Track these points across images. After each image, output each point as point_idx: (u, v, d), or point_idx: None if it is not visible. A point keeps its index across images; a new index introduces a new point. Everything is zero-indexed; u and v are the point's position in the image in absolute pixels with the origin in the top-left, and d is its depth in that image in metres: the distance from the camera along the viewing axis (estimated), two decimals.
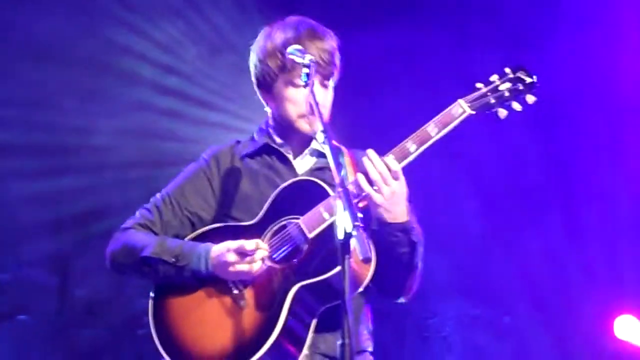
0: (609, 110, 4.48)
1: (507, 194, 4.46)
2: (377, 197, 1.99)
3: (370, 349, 2.22)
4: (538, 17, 4.46)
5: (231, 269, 2.02)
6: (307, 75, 1.92)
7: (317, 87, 2.09)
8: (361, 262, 1.75)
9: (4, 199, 4.24)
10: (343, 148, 2.16)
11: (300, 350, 2.05)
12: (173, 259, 2.10)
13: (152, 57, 4.39)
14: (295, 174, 2.21)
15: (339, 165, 1.79)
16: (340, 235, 1.65)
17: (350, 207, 1.67)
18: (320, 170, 2.20)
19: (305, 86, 1.94)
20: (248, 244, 2.00)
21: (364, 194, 1.99)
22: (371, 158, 1.99)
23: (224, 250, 2.02)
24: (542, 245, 4.50)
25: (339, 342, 1.61)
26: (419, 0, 4.55)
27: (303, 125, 2.16)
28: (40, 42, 4.20)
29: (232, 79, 4.30)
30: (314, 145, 2.24)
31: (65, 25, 4.23)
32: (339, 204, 1.70)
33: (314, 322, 2.06)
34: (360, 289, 2.08)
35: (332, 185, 1.98)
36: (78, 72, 4.26)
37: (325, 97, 2.18)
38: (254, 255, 2.01)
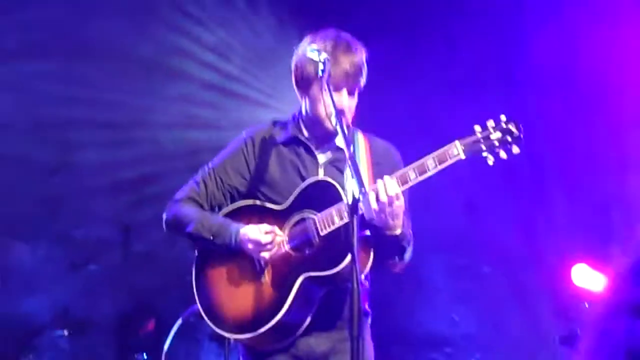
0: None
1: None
2: (380, 215, 2.19)
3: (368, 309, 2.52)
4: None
5: (254, 247, 2.31)
6: (322, 71, 2.19)
7: (344, 94, 2.35)
8: (361, 255, 2.17)
9: (77, 168, 4.86)
10: (360, 132, 2.49)
11: (298, 329, 2.33)
12: (211, 236, 2.38)
13: (200, 57, 4.92)
14: (317, 164, 2.44)
15: (348, 143, 2.11)
16: (349, 199, 1.99)
17: (358, 177, 1.98)
18: (338, 161, 2.42)
19: (320, 77, 2.18)
20: (269, 229, 2.31)
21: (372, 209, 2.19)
22: (385, 184, 2.20)
23: (250, 231, 2.31)
24: (512, 208, 4.97)
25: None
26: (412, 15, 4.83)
27: (328, 124, 2.36)
28: (104, 42, 4.73)
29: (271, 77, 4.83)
30: (340, 140, 2.37)
31: (123, 27, 4.72)
32: (347, 173, 2.07)
33: (313, 308, 2.34)
34: (362, 276, 2.32)
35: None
36: (134, 69, 4.80)
37: (350, 102, 2.40)
38: (273, 239, 2.30)
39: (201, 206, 2.47)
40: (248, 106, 4.93)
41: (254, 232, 2.31)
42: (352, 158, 2.06)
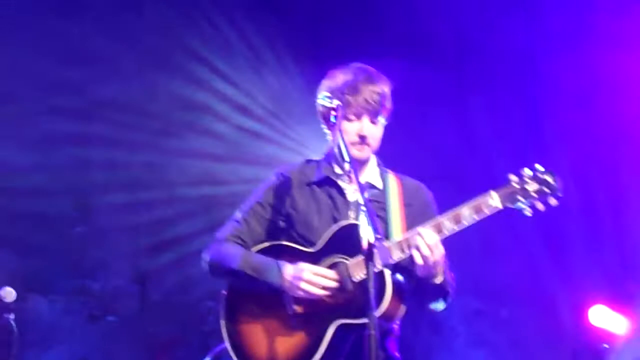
0: None
1: None
2: (423, 268, 2.19)
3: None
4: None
5: (301, 284, 2.22)
6: (335, 117, 2.20)
7: (367, 123, 2.34)
8: (395, 301, 2.15)
9: (94, 221, 4.95)
10: (390, 173, 2.47)
11: None
12: (255, 274, 2.32)
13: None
14: (349, 205, 2.38)
15: (362, 190, 2.06)
16: (364, 245, 1.92)
17: (373, 223, 1.93)
18: (369, 201, 2.14)
19: (333, 125, 2.19)
20: (324, 271, 2.23)
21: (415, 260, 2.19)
22: (423, 236, 2.18)
23: (298, 269, 2.24)
24: (529, 250, 5.01)
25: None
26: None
27: (354, 152, 2.32)
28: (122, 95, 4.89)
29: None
30: (366, 177, 2.41)
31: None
32: (362, 219, 1.97)
33: (343, 354, 2.24)
34: (394, 324, 2.31)
35: (378, 216, 2.23)
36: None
37: (374, 130, 2.37)
38: (321, 281, 2.22)
39: (244, 242, 2.43)
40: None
41: (302, 269, 2.24)
42: (368, 206, 2.02)
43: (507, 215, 2.26)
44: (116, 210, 4.94)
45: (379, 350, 1.87)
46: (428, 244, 2.16)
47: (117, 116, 4.86)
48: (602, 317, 4.60)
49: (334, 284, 2.23)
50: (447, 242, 2.20)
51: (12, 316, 3.74)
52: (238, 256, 2.37)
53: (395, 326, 2.38)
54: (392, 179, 2.45)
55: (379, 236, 1.94)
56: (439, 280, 2.25)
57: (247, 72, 5.07)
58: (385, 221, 2.34)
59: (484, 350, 5.04)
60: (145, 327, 4.92)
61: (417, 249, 2.17)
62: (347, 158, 2.18)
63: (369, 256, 1.92)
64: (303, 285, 2.22)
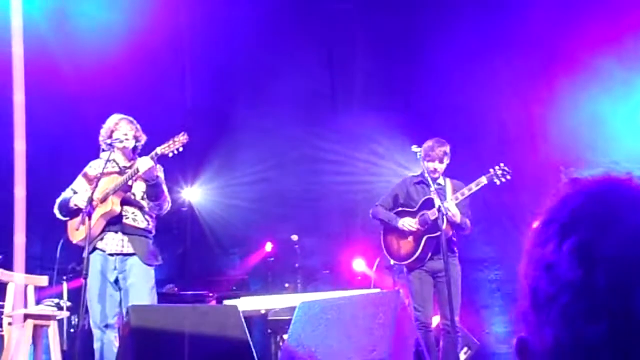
0: None
1: None
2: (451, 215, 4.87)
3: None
4: None
5: (406, 225, 5.05)
6: (421, 157, 5.00)
7: (437, 163, 5.00)
8: (448, 227, 4.81)
9: None
10: (447, 178, 5.13)
11: (425, 259, 4.95)
12: (389, 220, 5.14)
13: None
14: (430, 191, 4.97)
15: (434, 182, 4.97)
16: (436, 206, 4.75)
17: (440, 199, 4.85)
18: (438, 190, 4.99)
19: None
20: (413, 220, 5.08)
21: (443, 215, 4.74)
22: (449, 205, 4.84)
23: (405, 220, 5.06)
24: None
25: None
26: None
27: (432, 175, 4.96)
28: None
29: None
30: (439, 179, 5.09)
31: None
32: (435, 198, 4.82)
33: (430, 250, 4.94)
34: (452, 237, 5.03)
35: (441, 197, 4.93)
36: None
37: (440, 167, 5.04)
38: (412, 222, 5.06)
39: (386, 208, 5.24)
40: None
41: (408, 220, 5.10)
42: (436, 192, 4.95)
43: None
44: None
45: (447, 247, 4.61)
46: (449, 208, 4.83)
47: None
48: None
49: (418, 225, 5.01)
50: None
51: None
52: (383, 213, 5.21)
53: (454, 238, 5.08)
54: (448, 181, 5.17)
55: (440, 203, 4.72)
56: (458, 221, 4.91)
57: None
58: (444, 197, 5.02)
59: None
60: None
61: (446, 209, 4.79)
62: (426, 175, 5.02)
63: (438, 209, 4.72)
64: (405, 225, 5.07)
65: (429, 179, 4.85)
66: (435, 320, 5.21)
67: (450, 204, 4.79)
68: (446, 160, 4.99)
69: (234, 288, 8.22)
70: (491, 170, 4.83)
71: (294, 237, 7.40)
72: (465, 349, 5.75)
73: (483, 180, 4.80)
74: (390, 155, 8.15)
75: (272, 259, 8.53)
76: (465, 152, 6.51)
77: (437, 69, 7.94)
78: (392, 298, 3.48)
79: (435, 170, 4.95)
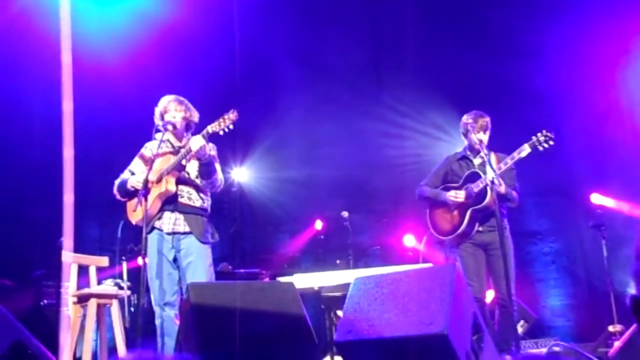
0: None
1: None
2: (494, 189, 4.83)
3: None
4: None
5: (452, 198, 5.09)
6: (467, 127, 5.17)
7: (482, 134, 5.05)
8: (493, 198, 4.78)
9: None
10: (492, 152, 5.06)
11: (472, 232, 5.02)
12: (440, 197, 5.19)
13: None
14: (474, 165, 5.18)
15: (483, 154, 4.95)
16: (489, 177, 4.80)
17: (492, 169, 4.78)
18: (481, 164, 5.10)
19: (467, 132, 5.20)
20: (459, 192, 5.14)
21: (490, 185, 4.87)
22: (496, 175, 4.81)
23: (451, 193, 5.11)
24: None
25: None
26: None
27: (476, 147, 5.05)
28: None
29: None
30: (481, 154, 5.01)
31: None
32: (488, 169, 4.80)
33: (476, 223, 5.02)
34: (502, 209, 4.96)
35: (485, 172, 4.95)
36: None
37: (484, 137, 5.07)
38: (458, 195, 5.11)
39: (430, 186, 5.33)
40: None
41: (451, 193, 5.15)
42: (481, 166, 5.11)
43: None
44: None
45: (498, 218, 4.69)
46: (495, 182, 4.80)
47: None
48: None
49: (463, 196, 5.07)
50: None
51: None
52: (430, 191, 5.31)
53: (503, 211, 4.98)
54: (492, 155, 5.08)
55: (484, 176, 4.91)
56: (503, 190, 4.90)
57: None
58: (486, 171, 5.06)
59: None
60: None
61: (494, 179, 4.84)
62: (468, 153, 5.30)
63: (492, 184, 4.78)
64: (451, 196, 5.11)
65: (472, 154, 5.05)
66: (489, 294, 5.19)
67: (495, 174, 4.80)
68: (488, 132, 5.03)
69: (286, 266, 8.33)
70: (533, 137, 4.80)
71: (345, 214, 7.42)
72: (521, 322, 5.72)
73: (526, 147, 4.77)
74: (437, 129, 8.09)
75: (322, 236, 8.59)
76: (513, 125, 6.42)
77: (486, 40, 7.81)
78: (448, 272, 3.47)
79: (480, 142, 4.95)
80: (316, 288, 6.34)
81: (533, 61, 7.52)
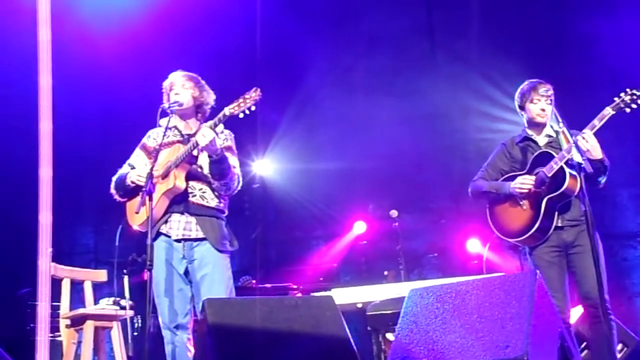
0: None
1: None
2: (586, 151, 4.59)
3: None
4: None
5: (517, 185, 4.87)
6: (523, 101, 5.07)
7: (545, 103, 4.92)
8: (572, 180, 4.65)
9: None
10: (561, 126, 4.75)
11: (549, 230, 4.75)
12: (504, 189, 4.97)
13: None
14: (539, 147, 5.01)
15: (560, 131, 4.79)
16: (577, 159, 4.44)
17: (578, 151, 4.46)
18: (549, 143, 5.00)
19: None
20: (527, 177, 4.92)
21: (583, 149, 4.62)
22: (585, 134, 4.64)
23: (517, 180, 4.89)
24: None
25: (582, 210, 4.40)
26: None
27: (539, 119, 4.99)
28: None
29: None
30: (546, 130, 5.02)
31: None
32: (574, 150, 4.52)
33: (555, 215, 4.76)
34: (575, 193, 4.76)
35: (556, 151, 4.82)
36: None
37: (547, 107, 4.93)
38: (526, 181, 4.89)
39: (486, 180, 5.13)
40: None
41: (520, 179, 4.93)
42: (548, 145, 5.00)
43: None
44: None
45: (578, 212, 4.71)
46: (586, 138, 4.61)
47: None
48: None
49: (532, 182, 4.86)
50: None
51: None
52: (487, 184, 5.11)
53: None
54: (563, 128, 4.71)
55: (556, 155, 4.79)
56: (599, 156, 4.66)
57: None
58: (558, 149, 4.87)
59: None
60: None
61: (583, 143, 4.60)
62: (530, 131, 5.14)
63: (580, 168, 4.39)
64: (517, 185, 4.90)
65: (536, 132, 5.02)
66: (574, 313, 5.07)
67: (588, 133, 4.61)
68: (551, 104, 4.88)
69: (321, 279, 8.32)
70: (616, 98, 4.68)
71: (393, 213, 7.38)
72: (620, 345, 5.58)
73: (608, 111, 4.65)
74: (504, 109, 7.96)
75: (365, 242, 8.55)
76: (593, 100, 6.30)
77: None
78: (527, 281, 3.41)
79: (543, 112, 4.89)
80: (359, 305, 6.32)
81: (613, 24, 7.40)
